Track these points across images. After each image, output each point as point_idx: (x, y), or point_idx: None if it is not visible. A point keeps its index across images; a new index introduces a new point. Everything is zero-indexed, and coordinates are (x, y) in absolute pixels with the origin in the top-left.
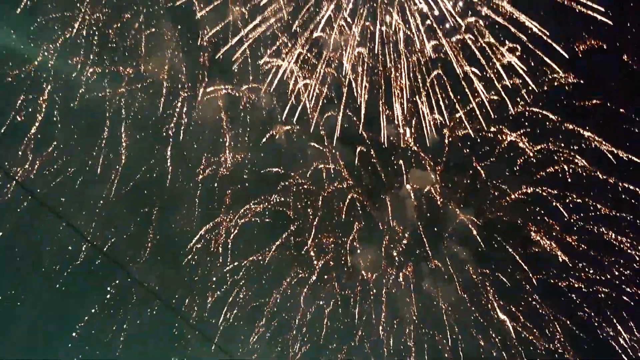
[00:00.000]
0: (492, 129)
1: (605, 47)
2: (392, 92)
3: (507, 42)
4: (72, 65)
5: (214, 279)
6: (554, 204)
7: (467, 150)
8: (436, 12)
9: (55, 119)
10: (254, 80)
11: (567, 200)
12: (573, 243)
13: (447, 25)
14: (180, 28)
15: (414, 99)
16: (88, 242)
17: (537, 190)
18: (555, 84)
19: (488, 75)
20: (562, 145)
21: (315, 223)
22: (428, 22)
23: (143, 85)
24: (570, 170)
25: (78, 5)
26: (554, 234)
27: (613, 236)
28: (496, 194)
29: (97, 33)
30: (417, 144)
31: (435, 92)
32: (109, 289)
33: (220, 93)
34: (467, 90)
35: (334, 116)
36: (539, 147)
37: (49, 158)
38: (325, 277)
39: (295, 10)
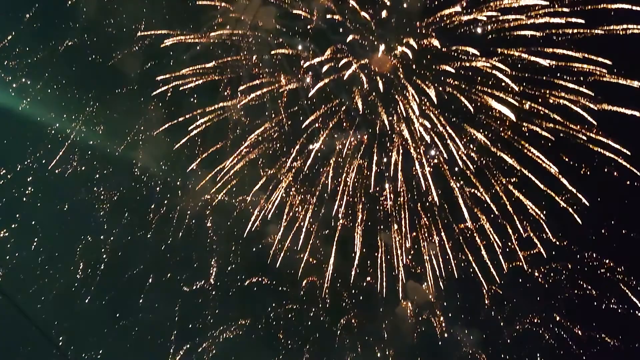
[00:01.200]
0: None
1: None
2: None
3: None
4: (61, 166)
5: None
6: (564, 334)
7: (472, 275)
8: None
9: (37, 218)
10: (248, 189)
11: (578, 332)
12: None
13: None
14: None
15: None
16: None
17: (546, 317)
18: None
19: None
20: (570, 267)
21: (306, 348)
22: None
23: (132, 191)
24: (579, 295)
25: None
26: None
27: None
28: (502, 323)
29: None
30: (418, 265)
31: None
32: None
33: (211, 201)
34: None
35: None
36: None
37: (28, 261)
38: None
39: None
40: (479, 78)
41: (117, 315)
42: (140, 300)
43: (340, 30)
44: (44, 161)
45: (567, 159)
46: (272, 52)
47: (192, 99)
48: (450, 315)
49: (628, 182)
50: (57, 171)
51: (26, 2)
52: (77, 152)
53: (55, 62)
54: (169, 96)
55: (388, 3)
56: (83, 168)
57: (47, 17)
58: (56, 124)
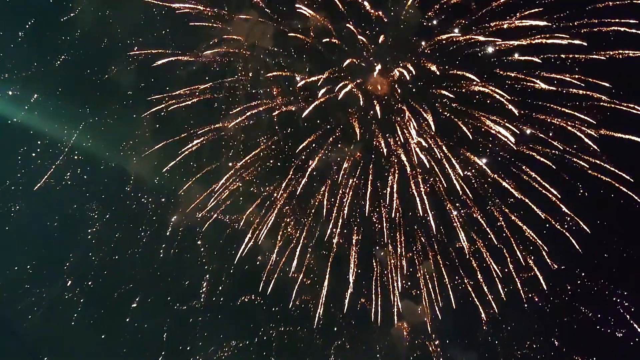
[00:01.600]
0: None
1: None
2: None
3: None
4: (51, 180)
5: None
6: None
7: (469, 299)
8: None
9: (25, 233)
10: (242, 207)
11: (577, 358)
12: None
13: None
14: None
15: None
16: None
17: (545, 342)
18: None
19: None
20: (569, 292)
21: None
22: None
23: (124, 207)
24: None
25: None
26: None
27: None
28: (499, 348)
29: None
30: (414, 287)
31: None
32: None
33: (205, 219)
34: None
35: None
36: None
37: (15, 278)
38: None
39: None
40: (478, 100)
41: (105, 334)
42: (128, 319)
43: (337, 51)
44: (34, 175)
45: (566, 181)
46: (269, 74)
47: (187, 117)
48: (447, 341)
49: (628, 206)
50: (46, 185)
51: (19, 16)
52: (69, 167)
53: (49, 77)
54: (164, 113)
55: (385, 20)
56: (74, 183)
57: (41, 31)
58: (47, 138)
